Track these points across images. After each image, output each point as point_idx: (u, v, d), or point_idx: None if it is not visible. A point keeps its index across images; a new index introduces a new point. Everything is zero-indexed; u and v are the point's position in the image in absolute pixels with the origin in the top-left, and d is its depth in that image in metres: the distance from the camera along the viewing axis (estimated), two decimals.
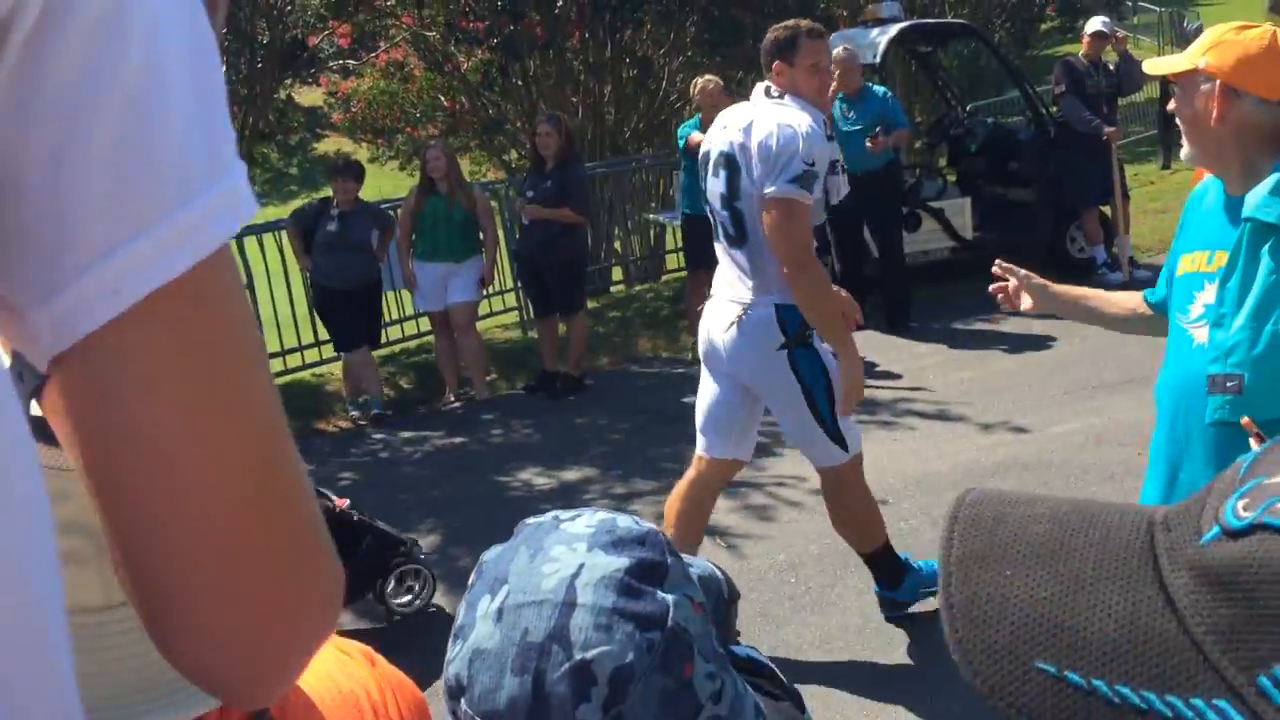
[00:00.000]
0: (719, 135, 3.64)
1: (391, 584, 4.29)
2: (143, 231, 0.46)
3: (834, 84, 7.51)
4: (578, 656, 0.79)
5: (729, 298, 3.71)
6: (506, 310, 9.21)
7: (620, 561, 0.83)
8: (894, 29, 8.72)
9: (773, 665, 1.02)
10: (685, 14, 10.98)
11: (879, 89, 7.82)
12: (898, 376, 6.90)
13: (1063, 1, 18.48)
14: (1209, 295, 2.20)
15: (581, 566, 0.82)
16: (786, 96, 3.57)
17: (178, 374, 0.48)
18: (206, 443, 0.49)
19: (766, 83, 3.65)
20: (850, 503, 3.89)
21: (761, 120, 3.47)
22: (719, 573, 0.99)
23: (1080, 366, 6.57)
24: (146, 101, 0.45)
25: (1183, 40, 17.64)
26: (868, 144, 7.56)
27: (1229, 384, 2.10)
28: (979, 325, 7.84)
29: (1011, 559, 0.54)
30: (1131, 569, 0.52)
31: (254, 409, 0.52)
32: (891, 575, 3.99)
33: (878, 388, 6.73)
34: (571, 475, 5.85)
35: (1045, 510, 0.56)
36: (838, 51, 7.73)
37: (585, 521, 0.88)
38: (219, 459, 0.50)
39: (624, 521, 0.88)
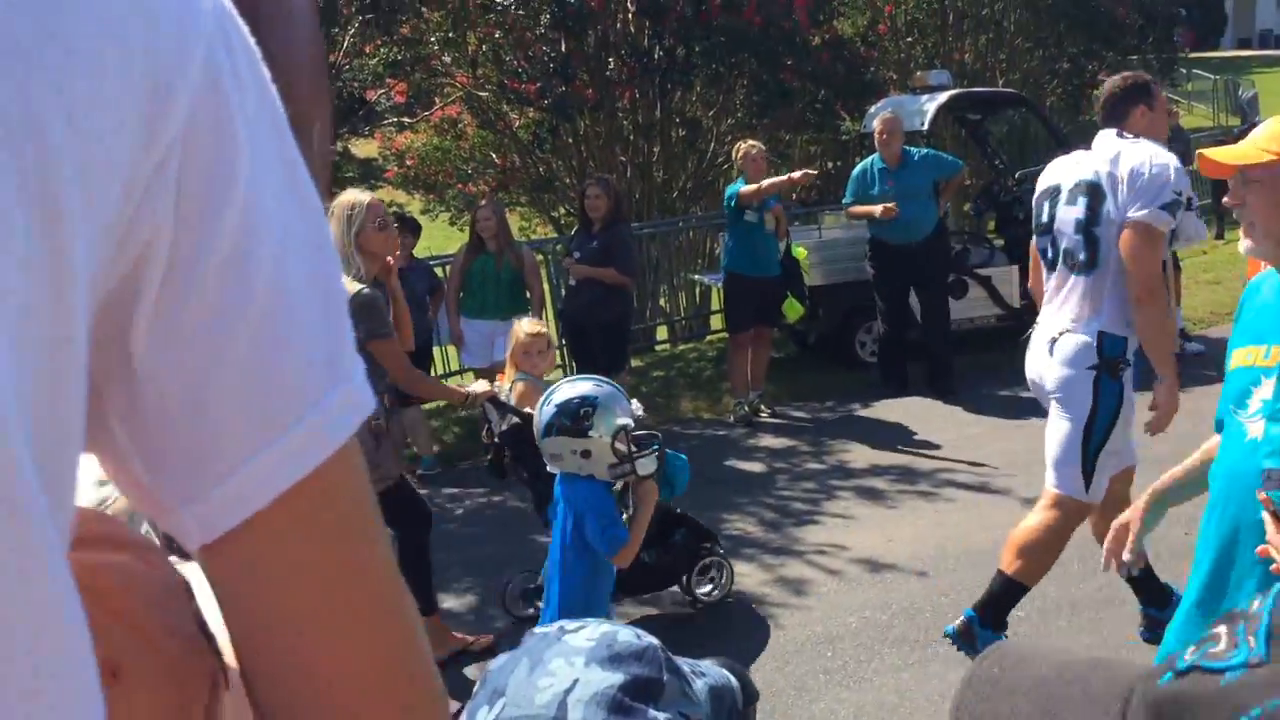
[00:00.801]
0: (1074, 168, 3.90)
1: (695, 574, 4.75)
2: (275, 442, 0.50)
3: (893, 149, 7.62)
4: None
5: (1057, 327, 3.90)
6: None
7: (615, 678, 0.83)
8: (943, 96, 8.77)
9: None
10: (734, 77, 11.10)
11: (913, 150, 7.88)
12: (939, 446, 6.85)
13: (1114, 68, 18.46)
14: (1266, 390, 2.17)
15: (576, 682, 0.83)
16: (1141, 138, 3.80)
17: (307, 565, 0.52)
18: (336, 628, 0.53)
19: (1113, 129, 3.87)
20: (1044, 536, 4.00)
21: (1130, 152, 3.71)
22: (733, 681, 0.99)
23: None
24: (275, 325, 0.49)
25: (1238, 109, 17.53)
26: (941, 200, 7.69)
27: None
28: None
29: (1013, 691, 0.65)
30: (1101, 714, 0.62)
31: (380, 591, 0.55)
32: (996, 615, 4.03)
33: (921, 456, 6.70)
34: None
35: (1049, 664, 0.67)
36: (887, 115, 7.80)
37: (587, 635, 0.88)
38: (348, 642, 0.53)
39: (625, 635, 0.88)
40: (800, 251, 7.89)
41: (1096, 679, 0.65)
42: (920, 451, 6.80)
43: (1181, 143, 8.54)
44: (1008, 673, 0.67)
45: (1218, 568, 2.27)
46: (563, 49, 10.33)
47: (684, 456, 3.91)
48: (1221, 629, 0.60)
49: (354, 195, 4.28)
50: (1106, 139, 3.87)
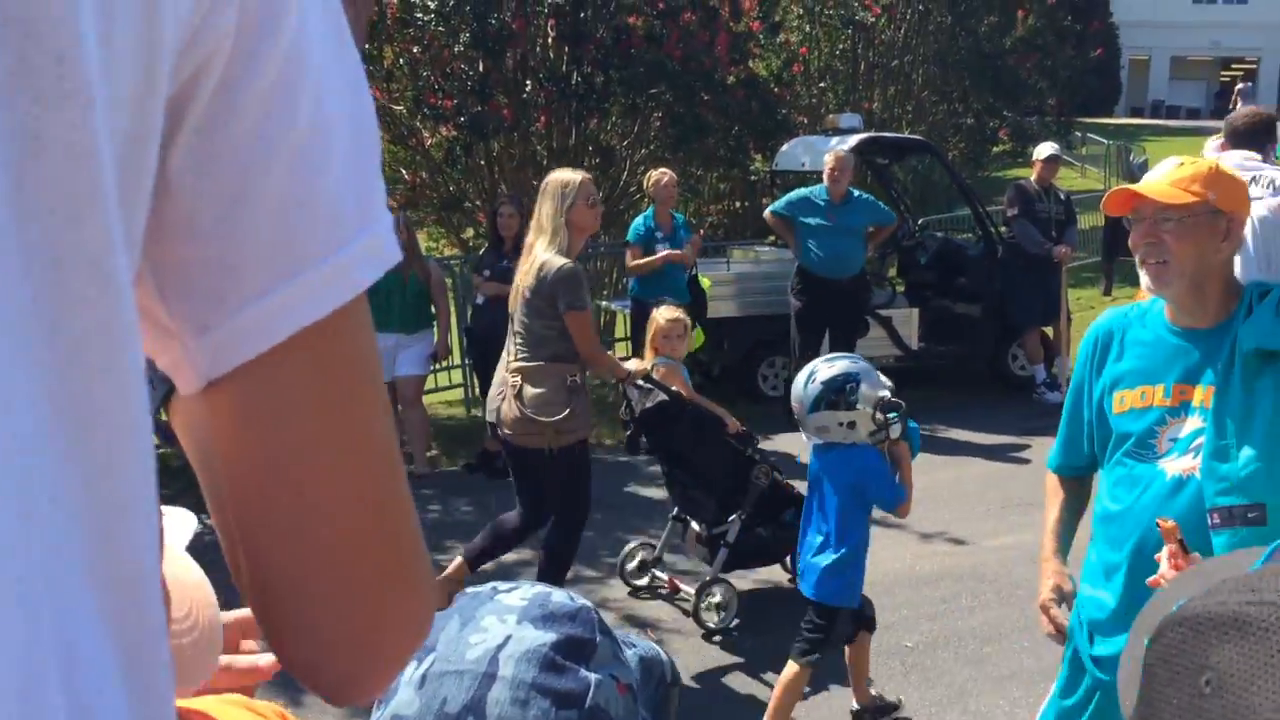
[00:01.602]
0: None
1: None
2: (299, 274, 0.50)
3: (841, 185, 7.72)
4: None
5: None
6: (452, 386, 9.17)
7: (547, 636, 0.82)
8: (853, 139, 8.95)
9: None
10: (650, 108, 11.20)
11: (855, 191, 8.01)
12: None
13: (1015, 127, 19.10)
14: (1179, 429, 2.21)
15: (508, 639, 0.82)
16: None
17: (315, 406, 0.53)
18: (335, 469, 0.54)
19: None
20: None
21: None
22: (664, 655, 0.99)
23: (1016, 482, 6.65)
24: (311, 158, 0.50)
25: (1128, 174, 18.27)
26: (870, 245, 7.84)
27: (1250, 515, 2.07)
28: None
29: None
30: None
31: (377, 440, 0.56)
32: None
33: None
34: (508, 556, 5.77)
35: None
36: (840, 154, 7.89)
37: (520, 594, 0.87)
38: (345, 483, 0.54)
39: (558, 596, 0.87)
40: (705, 281, 7.95)
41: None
42: None
43: (1058, 203, 8.82)
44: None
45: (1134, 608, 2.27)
46: (481, 69, 10.30)
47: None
48: None
49: (568, 174, 4.49)
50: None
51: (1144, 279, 2.27)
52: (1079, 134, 22.72)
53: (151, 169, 0.46)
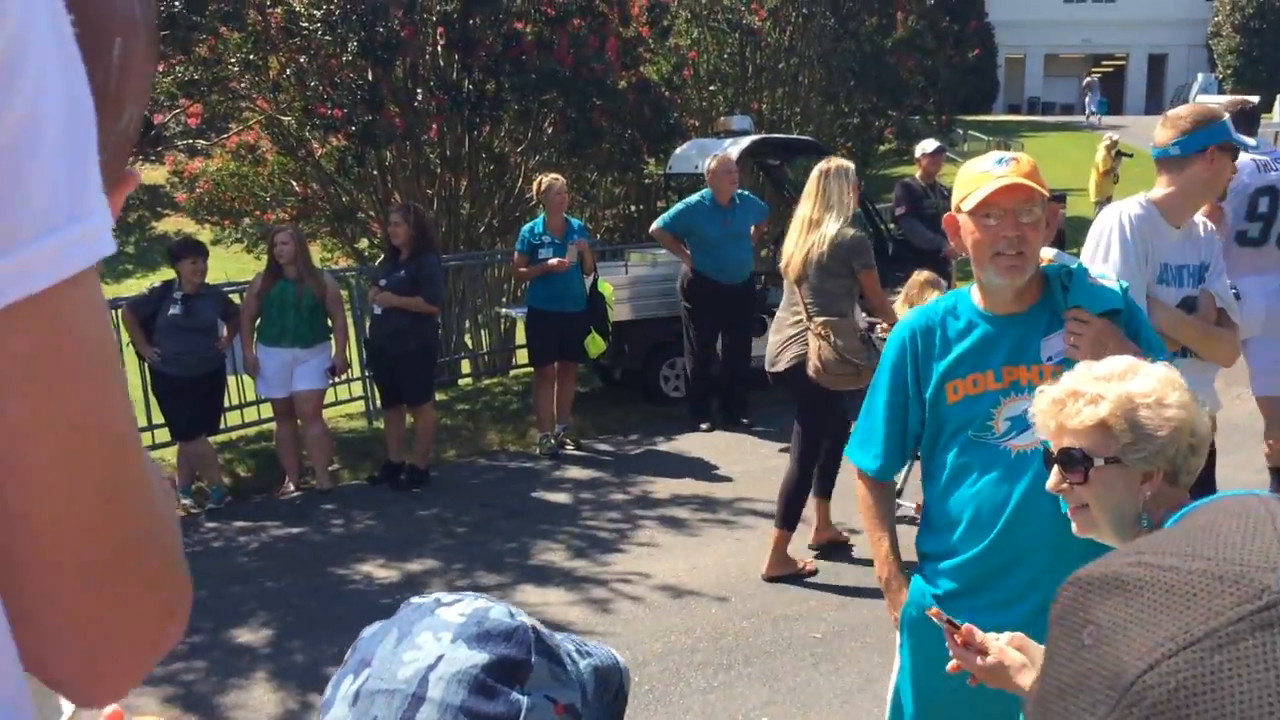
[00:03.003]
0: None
1: None
2: (9, 251, 0.51)
3: (727, 189, 7.80)
4: None
5: None
6: (353, 399, 9.05)
7: (479, 657, 0.81)
8: (745, 141, 9.08)
9: None
10: (543, 114, 11.19)
11: (737, 193, 8.09)
12: (739, 478, 7.04)
13: (899, 126, 19.57)
14: (1014, 408, 2.32)
15: (440, 659, 0.81)
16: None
17: (30, 379, 0.53)
18: (53, 445, 0.54)
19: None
20: None
21: None
22: (622, 663, 0.98)
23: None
24: (24, 143, 0.51)
25: None
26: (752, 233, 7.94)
27: None
28: None
29: None
30: None
31: (103, 421, 0.56)
32: None
33: (722, 486, 6.85)
34: (414, 567, 5.74)
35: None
36: (724, 158, 7.97)
37: (460, 609, 0.86)
38: (64, 461, 0.54)
39: (496, 613, 0.86)
40: (607, 288, 7.99)
41: None
42: (721, 482, 6.97)
43: (944, 198, 9.08)
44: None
45: (1001, 579, 2.38)
46: (370, 77, 10.18)
47: None
48: None
49: (844, 160, 5.43)
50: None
51: (990, 274, 2.33)
52: (960, 131, 23.38)
53: None
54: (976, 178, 2.34)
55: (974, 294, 2.45)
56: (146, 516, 0.59)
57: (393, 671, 0.81)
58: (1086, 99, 36.10)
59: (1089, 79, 37.50)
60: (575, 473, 7.41)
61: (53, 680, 0.57)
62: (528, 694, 0.81)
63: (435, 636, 0.83)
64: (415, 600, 0.90)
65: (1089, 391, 1.74)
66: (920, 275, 5.85)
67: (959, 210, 2.37)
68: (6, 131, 0.51)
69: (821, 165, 5.31)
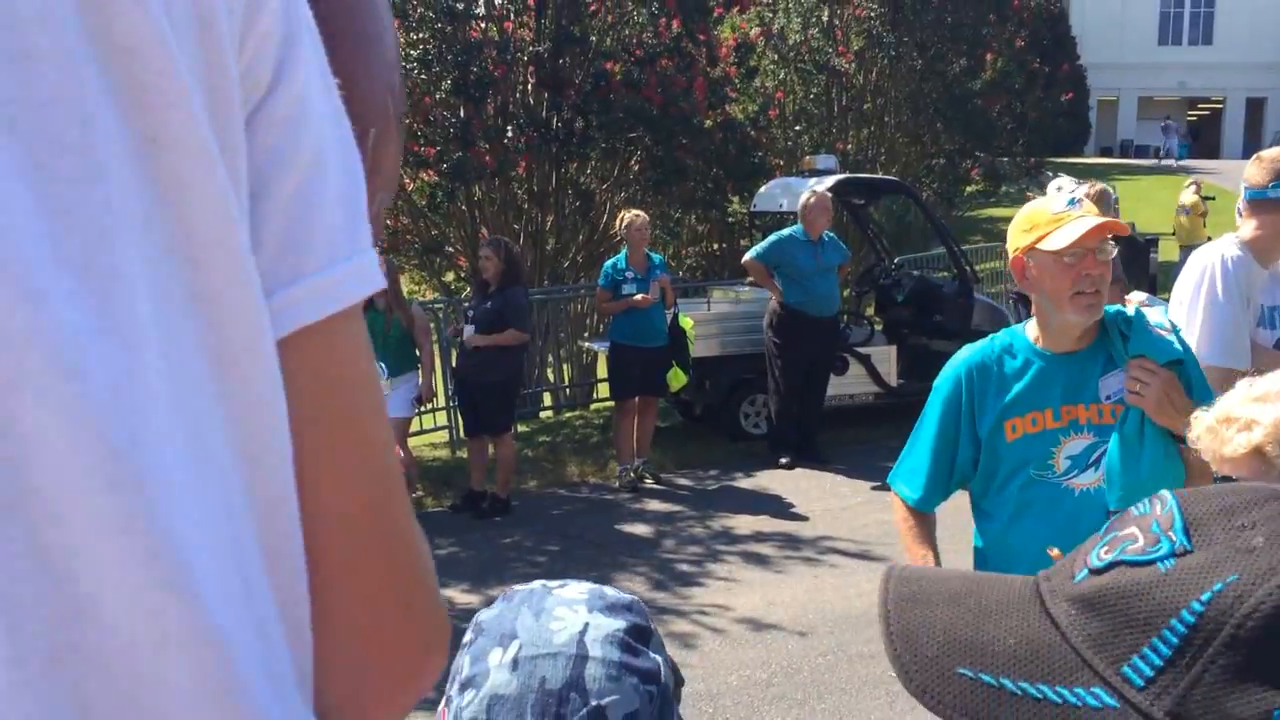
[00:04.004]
0: None
1: None
2: (298, 281, 0.56)
3: (821, 225, 7.88)
4: (594, 702, 0.87)
5: None
6: (437, 428, 9.22)
7: (619, 623, 0.92)
8: (830, 180, 9.12)
9: None
10: (629, 152, 11.36)
11: (826, 231, 8.15)
12: (820, 516, 7.02)
13: (986, 168, 19.41)
14: (1075, 447, 2.35)
15: (587, 625, 0.92)
16: None
17: (312, 403, 0.56)
18: (333, 460, 0.57)
19: None
20: None
21: None
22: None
23: None
24: (312, 181, 0.56)
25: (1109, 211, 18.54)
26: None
27: None
28: None
29: (933, 600, 0.74)
30: (1024, 604, 0.71)
31: (374, 447, 0.59)
32: None
33: (802, 524, 6.85)
34: (495, 593, 5.76)
35: (955, 574, 0.78)
36: (822, 195, 8.04)
37: (574, 589, 0.97)
38: (344, 484, 0.58)
39: (610, 591, 0.98)
40: (687, 322, 8.06)
41: (994, 587, 0.74)
42: (801, 520, 6.96)
43: None
44: (920, 587, 0.76)
45: None
46: (462, 115, 10.44)
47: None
48: (1131, 529, 0.69)
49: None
50: None
51: (1068, 313, 2.34)
52: (1050, 173, 23.07)
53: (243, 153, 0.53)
54: (1053, 218, 2.36)
55: (1028, 332, 2.47)
56: (413, 545, 0.61)
57: (546, 639, 0.91)
58: (1165, 141, 35.50)
59: (1167, 122, 36.77)
60: (655, 506, 7.46)
61: (320, 708, 0.57)
62: (656, 654, 0.93)
63: (571, 609, 0.93)
64: (519, 588, 0.99)
65: (1242, 416, 1.65)
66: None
67: (1031, 250, 2.38)
68: (298, 174, 0.55)
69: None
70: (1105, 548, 0.69)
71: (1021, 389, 2.42)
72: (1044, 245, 2.35)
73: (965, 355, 2.53)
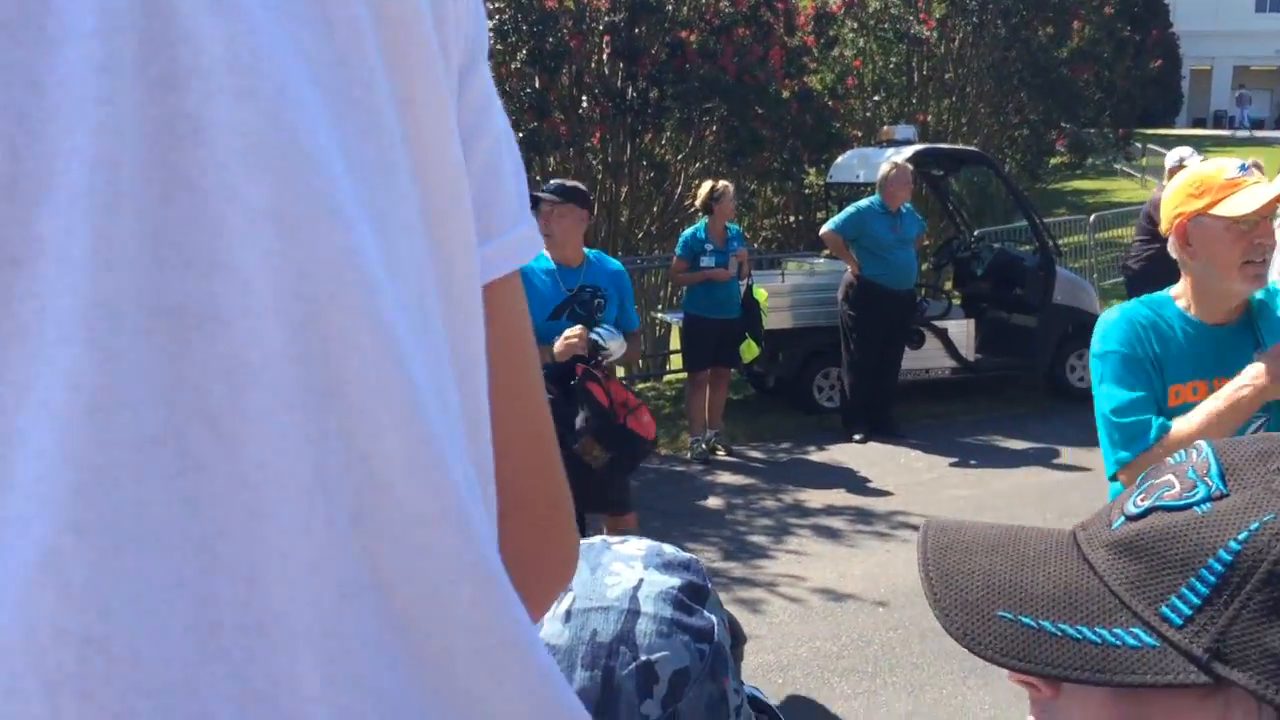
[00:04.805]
0: None
1: None
2: (492, 238, 0.63)
3: (901, 197, 7.79)
4: (643, 657, 0.88)
5: None
6: None
7: (674, 580, 0.92)
8: (908, 150, 8.97)
9: (773, 707, 1.10)
10: (704, 123, 11.28)
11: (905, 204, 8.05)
12: (894, 491, 6.95)
13: (1072, 139, 18.94)
14: None
15: (641, 581, 0.92)
16: None
17: (509, 341, 0.65)
18: (512, 390, 0.65)
19: None
20: None
21: None
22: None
23: (1076, 493, 6.62)
24: (496, 157, 0.64)
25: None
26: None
27: None
28: (978, 445, 7.92)
29: (972, 549, 0.76)
30: (1062, 551, 0.73)
31: (541, 386, 0.69)
32: None
33: (875, 498, 6.79)
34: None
35: (991, 525, 0.81)
36: (903, 166, 7.92)
37: (634, 545, 0.97)
38: (521, 404, 0.66)
39: (669, 548, 0.98)
40: (761, 294, 8.00)
41: (1032, 537, 0.77)
42: (874, 494, 6.90)
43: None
44: (959, 537, 0.78)
45: None
46: (537, 85, 10.45)
47: None
48: (1168, 477, 0.70)
49: None
50: None
51: (1236, 281, 2.28)
52: (1139, 145, 22.47)
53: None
54: (1227, 184, 2.27)
55: (1179, 301, 2.39)
56: (563, 472, 0.70)
57: (600, 593, 0.92)
58: (1237, 112, 34.38)
59: (1240, 91, 35.50)
60: (726, 478, 7.45)
61: None
62: (711, 613, 0.93)
63: (627, 565, 0.94)
64: (580, 542, 0.98)
65: None
66: None
67: (1199, 216, 2.30)
68: (489, 143, 0.62)
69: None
70: (1141, 495, 0.71)
71: (1182, 355, 2.34)
72: (1219, 210, 2.26)
73: (1130, 307, 2.42)
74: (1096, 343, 2.43)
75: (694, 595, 0.92)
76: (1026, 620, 0.69)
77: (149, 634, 0.41)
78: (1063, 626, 0.68)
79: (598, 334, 4.47)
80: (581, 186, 5.13)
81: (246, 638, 0.43)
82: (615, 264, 5.20)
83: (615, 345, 4.50)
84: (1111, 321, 2.43)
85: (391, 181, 0.51)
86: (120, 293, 0.43)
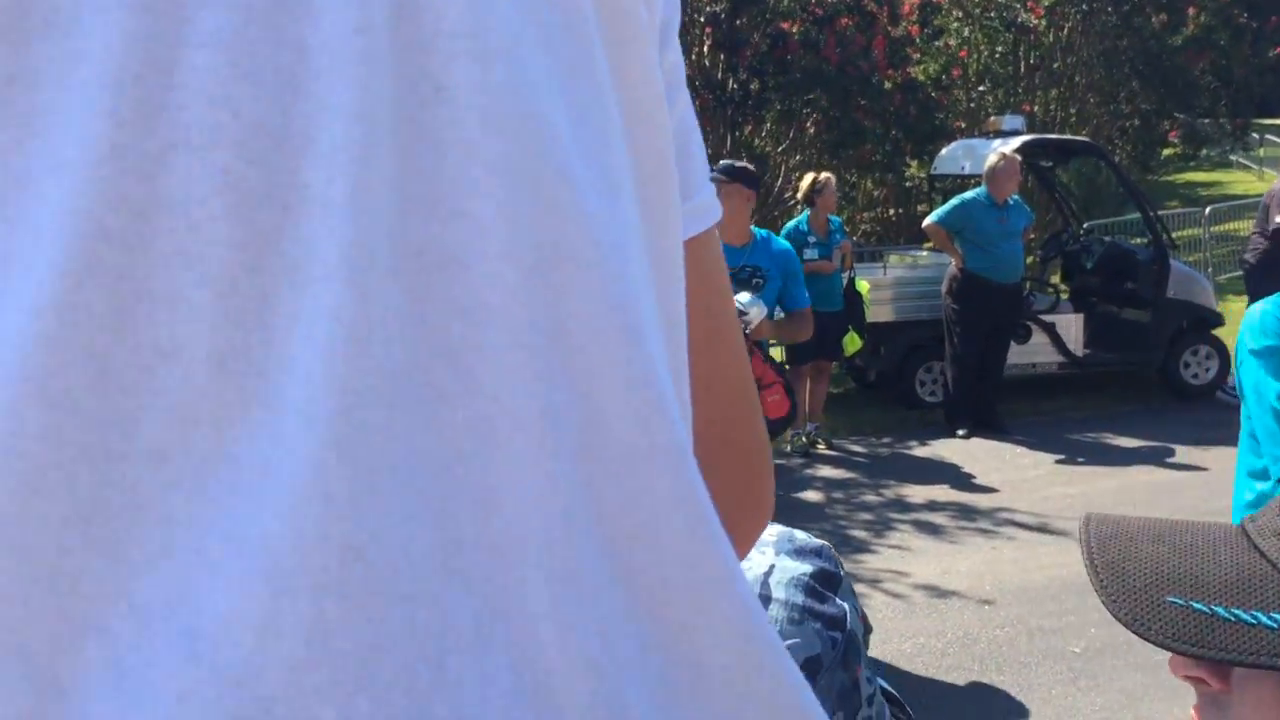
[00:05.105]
0: None
1: None
2: (690, 196, 0.65)
3: (1008, 188, 7.65)
4: None
5: None
6: None
7: (805, 567, 0.91)
8: (1016, 141, 8.78)
9: (899, 696, 1.08)
10: (805, 114, 11.19)
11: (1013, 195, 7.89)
12: (998, 487, 6.83)
13: (1186, 129, 18.36)
14: None
15: (772, 567, 0.91)
16: None
17: (709, 291, 0.68)
18: (714, 340, 0.68)
19: None
20: None
21: None
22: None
23: (1189, 491, 6.43)
24: (688, 122, 0.67)
25: None
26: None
27: None
28: (1086, 442, 7.74)
29: (1136, 538, 0.78)
30: (1231, 541, 0.74)
31: (739, 335, 0.72)
32: None
33: (979, 495, 6.68)
34: None
35: (1152, 519, 0.83)
36: (1010, 158, 7.77)
37: (767, 531, 0.95)
38: (737, 354, 0.71)
39: (800, 534, 0.97)
40: (863, 286, 7.92)
41: (1196, 527, 0.77)
42: (978, 491, 6.78)
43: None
44: (1121, 528, 0.79)
45: None
46: None
47: None
48: None
49: None
50: None
51: None
52: (1256, 136, 21.67)
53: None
54: None
55: None
56: (763, 424, 0.73)
57: None
58: None
59: None
60: (827, 471, 7.39)
61: None
62: (843, 601, 0.92)
63: (759, 550, 0.93)
64: None
65: None
66: None
67: None
68: (681, 109, 0.65)
69: None
70: None
71: None
72: None
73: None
74: (1253, 338, 2.34)
75: (825, 582, 0.91)
76: (1198, 605, 0.69)
77: (400, 546, 0.44)
78: (1235, 611, 0.68)
79: (739, 301, 4.49)
80: (750, 167, 5.15)
81: (482, 556, 0.46)
82: (783, 244, 5.23)
83: (755, 311, 4.51)
84: (1268, 313, 2.33)
85: (608, 143, 0.54)
86: (374, 236, 0.46)
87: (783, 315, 5.74)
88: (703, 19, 10.65)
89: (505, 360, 0.48)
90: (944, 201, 8.45)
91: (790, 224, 7.86)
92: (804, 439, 7.81)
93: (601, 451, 0.50)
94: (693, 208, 0.65)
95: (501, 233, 0.49)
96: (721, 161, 5.14)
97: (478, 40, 0.50)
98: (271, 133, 0.46)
